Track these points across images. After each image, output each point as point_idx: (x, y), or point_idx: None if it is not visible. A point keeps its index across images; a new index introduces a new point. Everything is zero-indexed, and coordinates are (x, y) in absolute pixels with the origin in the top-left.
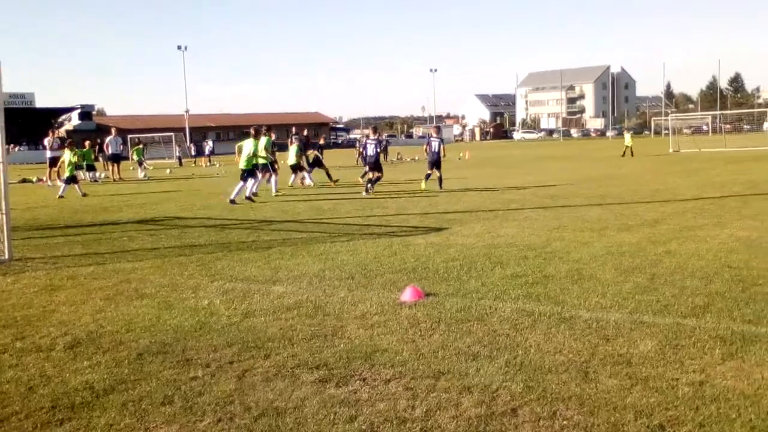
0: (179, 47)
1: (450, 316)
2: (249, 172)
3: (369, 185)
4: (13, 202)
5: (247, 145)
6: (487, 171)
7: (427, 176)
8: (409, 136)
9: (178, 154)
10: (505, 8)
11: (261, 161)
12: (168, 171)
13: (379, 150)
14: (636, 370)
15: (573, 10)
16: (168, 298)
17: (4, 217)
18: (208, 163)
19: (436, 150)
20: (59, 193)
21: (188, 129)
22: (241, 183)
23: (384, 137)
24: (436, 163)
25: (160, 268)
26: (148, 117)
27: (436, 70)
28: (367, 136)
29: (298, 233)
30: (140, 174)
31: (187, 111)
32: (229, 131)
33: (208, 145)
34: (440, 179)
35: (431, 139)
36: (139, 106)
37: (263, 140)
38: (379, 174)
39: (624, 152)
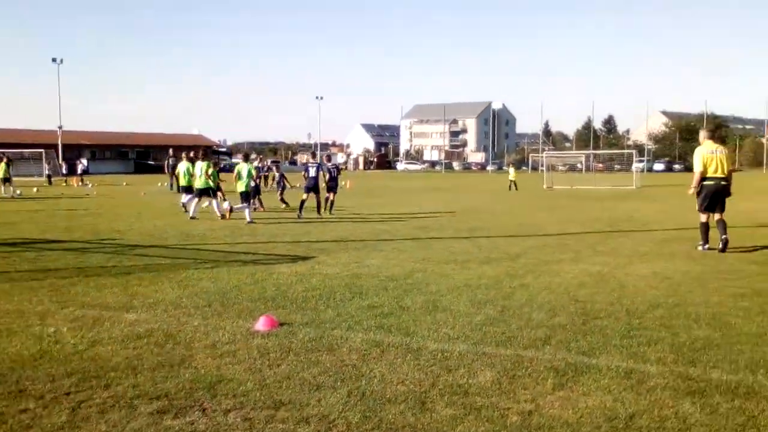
0: (54, 60)
1: (300, 346)
2: (247, 194)
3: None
4: None
5: (245, 168)
6: (365, 201)
7: (302, 202)
8: (293, 162)
9: (47, 171)
10: (386, 40)
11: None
12: (35, 190)
13: (318, 174)
14: (472, 400)
15: (459, 46)
16: (11, 324)
17: None
18: (80, 183)
19: (313, 176)
20: None
21: (61, 146)
22: (244, 204)
23: (267, 163)
24: (313, 188)
25: (7, 293)
26: (16, 131)
27: (322, 98)
28: (308, 161)
29: (161, 258)
30: (4, 192)
31: (60, 127)
32: (105, 150)
33: (81, 164)
34: (326, 203)
35: (308, 165)
36: (8, 119)
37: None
38: (317, 196)
39: (510, 185)
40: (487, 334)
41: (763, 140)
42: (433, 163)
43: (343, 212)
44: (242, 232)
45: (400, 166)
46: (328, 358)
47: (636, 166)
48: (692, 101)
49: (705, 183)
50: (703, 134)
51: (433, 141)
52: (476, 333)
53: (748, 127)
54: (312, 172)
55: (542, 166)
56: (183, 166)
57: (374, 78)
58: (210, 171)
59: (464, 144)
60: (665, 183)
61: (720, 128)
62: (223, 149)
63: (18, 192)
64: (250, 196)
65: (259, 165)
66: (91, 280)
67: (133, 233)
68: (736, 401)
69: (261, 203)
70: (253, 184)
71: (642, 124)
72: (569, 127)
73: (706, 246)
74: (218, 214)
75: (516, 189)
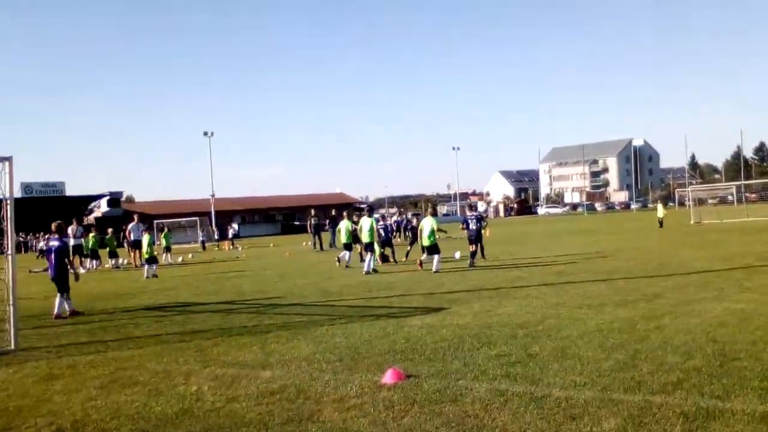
0: (205, 133)
1: (425, 398)
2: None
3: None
4: (34, 291)
5: (366, 222)
6: (503, 248)
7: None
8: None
9: (201, 238)
10: (525, 85)
11: (366, 239)
12: (190, 256)
13: (481, 225)
14: None
15: (594, 84)
16: (159, 385)
17: (11, 308)
18: (231, 247)
19: (474, 228)
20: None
21: (213, 213)
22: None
23: (408, 215)
24: (476, 239)
25: (158, 355)
26: (175, 202)
27: (458, 148)
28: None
29: (299, 316)
30: (163, 260)
31: (212, 195)
32: (254, 214)
33: (232, 229)
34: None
35: (468, 218)
36: (167, 191)
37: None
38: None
39: (660, 223)
40: (616, 379)
41: None
42: (574, 206)
43: (480, 261)
44: (379, 287)
45: (541, 210)
46: (452, 409)
47: None
48: None
49: None
50: None
51: (573, 183)
52: (604, 379)
53: None
54: (472, 225)
55: (689, 200)
56: (344, 224)
57: (510, 124)
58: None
59: (606, 184)
60: None
61: None
62: (364, 205)
63: (179, 259)
64: (373, 247)
65: (398, 218)
66: (232, 339)
67: (276, 292)
68: None
69: (393, 256)
70: (377, 236)
71: None
72: (718, 158)
73: None
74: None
75: (661, 226)
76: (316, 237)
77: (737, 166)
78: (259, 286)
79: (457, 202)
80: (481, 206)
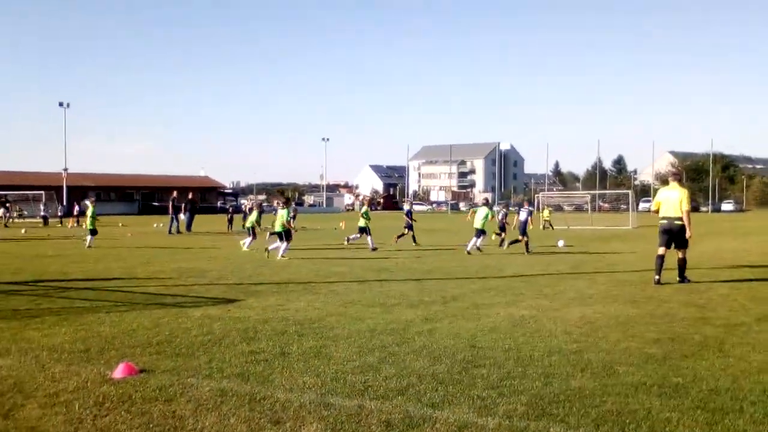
0: (61, 104)
1: (142, 396)
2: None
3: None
4: None
5: (280, 212)
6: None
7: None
8: (299, 203)
9: (43, 213)
10: (400, 81)
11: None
12: (23, 231)
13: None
14: None
15: (467, 86)
16: None
17: None
18: (75, 224)
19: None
20: None
21: (66, 187)
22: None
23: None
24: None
25: None
26: (26, 174)
27: (328, 139)
28: (520, 204)
29: (83, 302)
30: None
31: (65, 169)
32: (110, 192)
33: (79, 206)
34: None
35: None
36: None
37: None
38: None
39: (544, 225)
40: (347, 382)
41: None
42: (440, 204)
43: (318, 253)
44: (192, 273)
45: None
46: (161, 409)
47: (642, 206)
48: (700, 141)
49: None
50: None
51: (441, 182)
52: (335, 383)
53: (758, 166)
54: (522, 216)
55: (540, 205)
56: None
57: (382, 119)
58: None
59: (472, 185)
60: None
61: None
62: (229, 191)
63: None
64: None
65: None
66: None
67: (79, 274)
68: None
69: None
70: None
71: (650, 164)
72: (580, 167)
73: (657, 278)
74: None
75: (552, 228)
76: (174, 220)
77: (597, 176)
78: (68, 267)
79: (324, 194)
80: (348, 198)
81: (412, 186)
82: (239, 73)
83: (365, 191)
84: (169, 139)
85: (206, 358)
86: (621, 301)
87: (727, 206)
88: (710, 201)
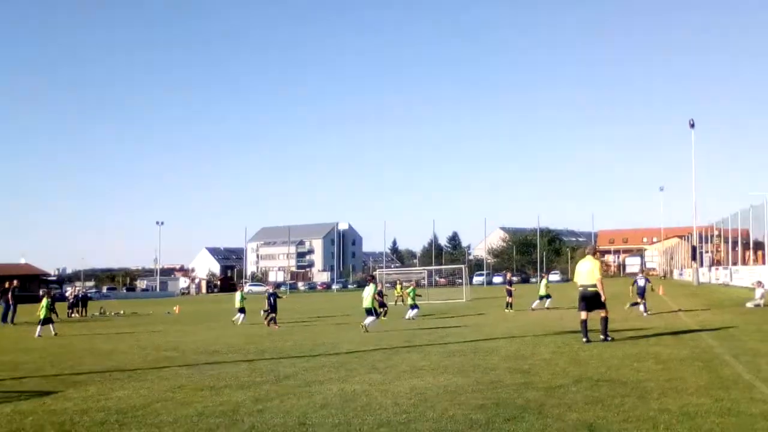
0: None
1: None
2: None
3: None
4: None
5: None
6: (183, 326)
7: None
8: (131, 288)
9: None
10: (235, 163)
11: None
12: None
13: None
14: None
15: (304, 167)
16: None
17: None
18: None
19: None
20: None
21: None
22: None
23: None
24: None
25: None
26: None
27: (162, 223)
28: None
29: None
30: None
31: None
32: None
33: None
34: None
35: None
36: None
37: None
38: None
39: (396, 300)
40: None
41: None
42: (278, 285)
43: (141, 337)
44: (26, 365)
45: (246, 288)
46: None
47: (476, 279)
48: (528, 217)
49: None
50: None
51: (279, 262)
52: None
53: (580, 239)
54: (641, 283)
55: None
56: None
57: (219, 201)
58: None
59: (311, 264)
60: (497, 295)
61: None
62: (53, 278)
63: None
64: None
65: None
66: None
67: None
68: None
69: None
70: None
71: (483, 240)
72: (417, 244)
73: (585, 339)
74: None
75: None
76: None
77: (432, 253)
78: None
79: (158, 278)
80: (184, 282)
81: (250, 268)
82: (62, 152)
83: (202, 274)
84: None
85: None
86: (451, 372)
87: (554, 277)
88: (538, 272)
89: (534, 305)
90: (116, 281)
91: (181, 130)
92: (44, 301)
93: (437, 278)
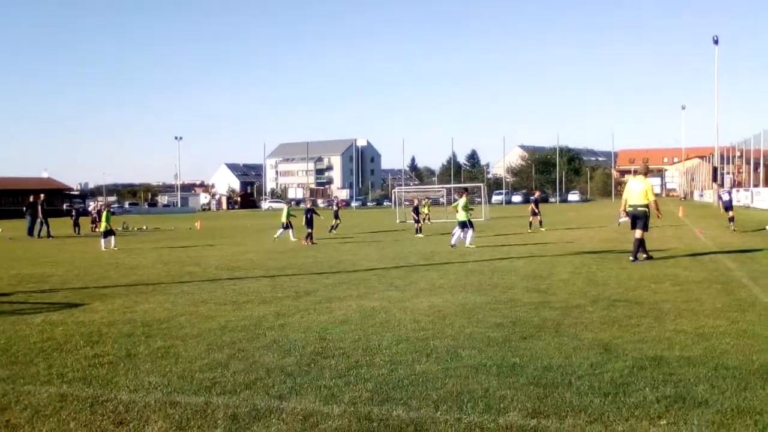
0: None
1: None
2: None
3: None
4: None
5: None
6: (205, 242)
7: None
8: (153, 204)
9: None
10: (254, 78)
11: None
12: None
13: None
14: None
15: (323, 83)
16: None
17: None
18: None
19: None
20: None
21: None
22: (460, 231)
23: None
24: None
25: None
26: None
27: (181, 138)
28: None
29: None
30: None
31: None
32: None
33: None
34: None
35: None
36: None
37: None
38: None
39: (424, 218)
40: (194, 381)
41: (613, 171)
42: (298, 201)
43: (170, 254)
44: (34, 279)
45: (265, 204)
46: None
47: (495, 198)
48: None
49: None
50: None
51: (298, 179)
52: (182, 381)
53: (600, 159)
54: (725, 197)
55: (407, 201)
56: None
57: (238, 117)
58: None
59: (330, 181)
60: (516, 215)
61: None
62: (76, 193)
63: None
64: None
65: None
66: None
67: None
68: None
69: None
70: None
71: (502, 158)
72: (436, 162)
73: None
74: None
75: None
76: (43, 223)
77: (451, 170)
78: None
79: (178, 194)
80: (204, 198)
81: (270, 184)
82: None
83: (222, 190)
84: (4, 138)
85: (45, 365)
86: (469, 290)
87: (573, 197)
88: (558, 192)
89: None
90: (138, 197)
91: (198, 41)
92: (104, 215)
93: (456, 197)
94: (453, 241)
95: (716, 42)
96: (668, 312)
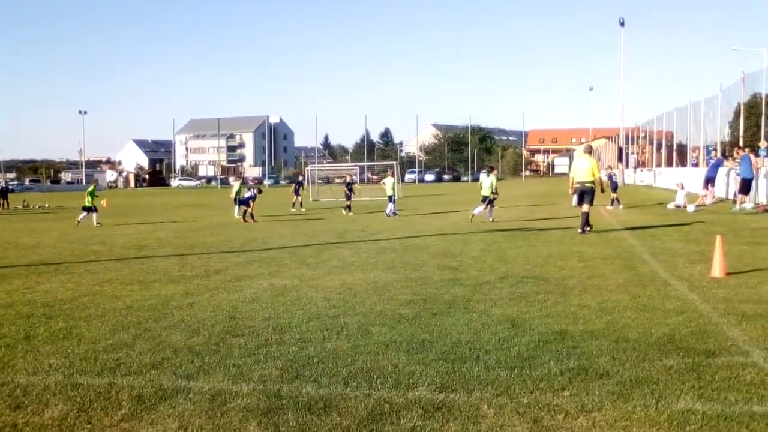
0: None
1: None
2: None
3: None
4: None
5: (487, 180)
6: (110, 221)
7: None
8: (56, 181)
9: None
10: (163, 49)
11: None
12: None
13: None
14: None
15: (234, 58)
16: None
17: None
18: None
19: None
20: None
21: None
22: (483, 206)
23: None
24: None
25: None
26: None
27: (85, 112)
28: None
29: None
30: None
31: None
32: None
33: None
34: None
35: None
36: None
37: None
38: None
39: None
40: (97, 362)
41: (523, 151)
42: (209, 179)
43: (65, 235)
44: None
45: (174, 182)
46: None
47: (408, 176)
48: (460, 115)
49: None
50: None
51: (209, 156)
52: (85, 362)
53: (511, 138)
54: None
55: (319, 179)
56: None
57: (145, 90)
58: None
59: (242, 158)
60: (429, 193)
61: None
62: None
63: None
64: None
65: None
66: None
67: None
68: (307, 416)
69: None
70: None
71: (415, 136)
72: (349, 140)
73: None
74: None
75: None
76: None
77: (364, 149)
78: None
79: (83, 170)
80: (111, 175)
81: (180, 161)
82: None
83: (129, 167)
84: None
85: None
86: (380, 268)
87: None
88: (469, 171)
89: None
90: (39, 173)
91: (103, 10)
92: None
93: (369, 175)
94: (476, 212)
95: (622, 24)
96: (573, 288)
